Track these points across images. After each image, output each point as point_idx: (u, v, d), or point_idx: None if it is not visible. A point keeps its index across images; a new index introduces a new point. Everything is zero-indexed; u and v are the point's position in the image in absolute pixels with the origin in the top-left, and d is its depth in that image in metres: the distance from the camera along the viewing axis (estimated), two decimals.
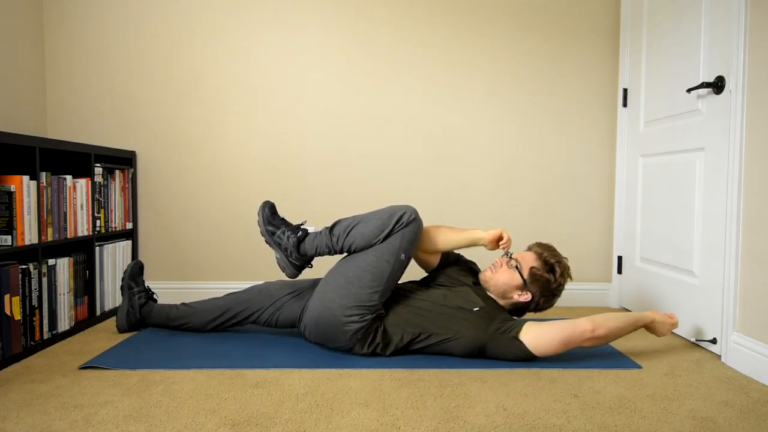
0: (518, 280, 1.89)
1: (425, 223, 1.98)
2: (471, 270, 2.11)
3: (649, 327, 1.91)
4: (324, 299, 1.85)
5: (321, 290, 1.89)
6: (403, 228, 1.83)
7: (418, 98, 2.74)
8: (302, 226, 1.96)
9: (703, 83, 1.97)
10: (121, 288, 2.17)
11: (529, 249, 2.00)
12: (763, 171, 1.70)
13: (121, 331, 2.16)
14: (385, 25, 2.72)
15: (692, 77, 2.10)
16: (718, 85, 1.92)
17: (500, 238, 1.97)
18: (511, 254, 1.98)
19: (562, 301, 2.18)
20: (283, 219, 1.99)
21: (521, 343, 1.75)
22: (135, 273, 2.18)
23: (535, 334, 1.76)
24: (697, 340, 2.03)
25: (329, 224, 1.97)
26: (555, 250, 1.97)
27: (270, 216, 1.96)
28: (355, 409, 1.45)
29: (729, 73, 1.87)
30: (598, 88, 2.75)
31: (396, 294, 1.93)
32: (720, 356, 1.91)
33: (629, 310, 2.64)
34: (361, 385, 1.62)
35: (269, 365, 1.79)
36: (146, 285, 2.21)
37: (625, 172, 2.68)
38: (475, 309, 1.82)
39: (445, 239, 1.98)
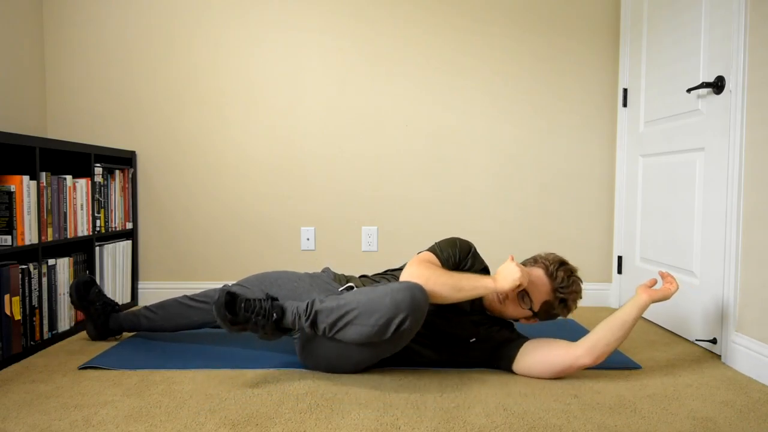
0: (528, 313, 1.76)
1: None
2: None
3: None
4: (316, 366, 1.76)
5: (311, 361, 1.76)
6: (403, 334, 1.58)
7: (418, 98, 2.74)
8: (273, 302, 1.63)
9: (703, 83, 1.97)
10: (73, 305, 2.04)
11: (540, 264, 1.76)
12: (763, 171, 1.70)
13: (94, 339, 2.08)
14: (385, 26, 2.72)
15: (692, 77, 2.10)
16: (718, 85, 1.92)
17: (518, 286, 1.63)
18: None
19: None
20: (245, 305, 1.59)
21: (514, 372, 1.73)
22: (81, 293, 2.01)
23: (528, 367, 1.70)
24: (697, 340, 2.03)
25: (304, 305, 1.63)
26: (570, 270, 1.75)
27: (231, 316, 1.58)
28: (355, 409, 1.45)
29: (729, 73, 1.87)
30: (597, 88, 2.75)
31: None
32: (720, 356, 1.91)
33: None
34: (361, 385, 1.62)
35: (269, 365, 1.79)
36: (101, 299, 2.04)
37: (625, 172, 2.67)
38: (471, 340, 1.77)
39: (451, 297, 1.65)
